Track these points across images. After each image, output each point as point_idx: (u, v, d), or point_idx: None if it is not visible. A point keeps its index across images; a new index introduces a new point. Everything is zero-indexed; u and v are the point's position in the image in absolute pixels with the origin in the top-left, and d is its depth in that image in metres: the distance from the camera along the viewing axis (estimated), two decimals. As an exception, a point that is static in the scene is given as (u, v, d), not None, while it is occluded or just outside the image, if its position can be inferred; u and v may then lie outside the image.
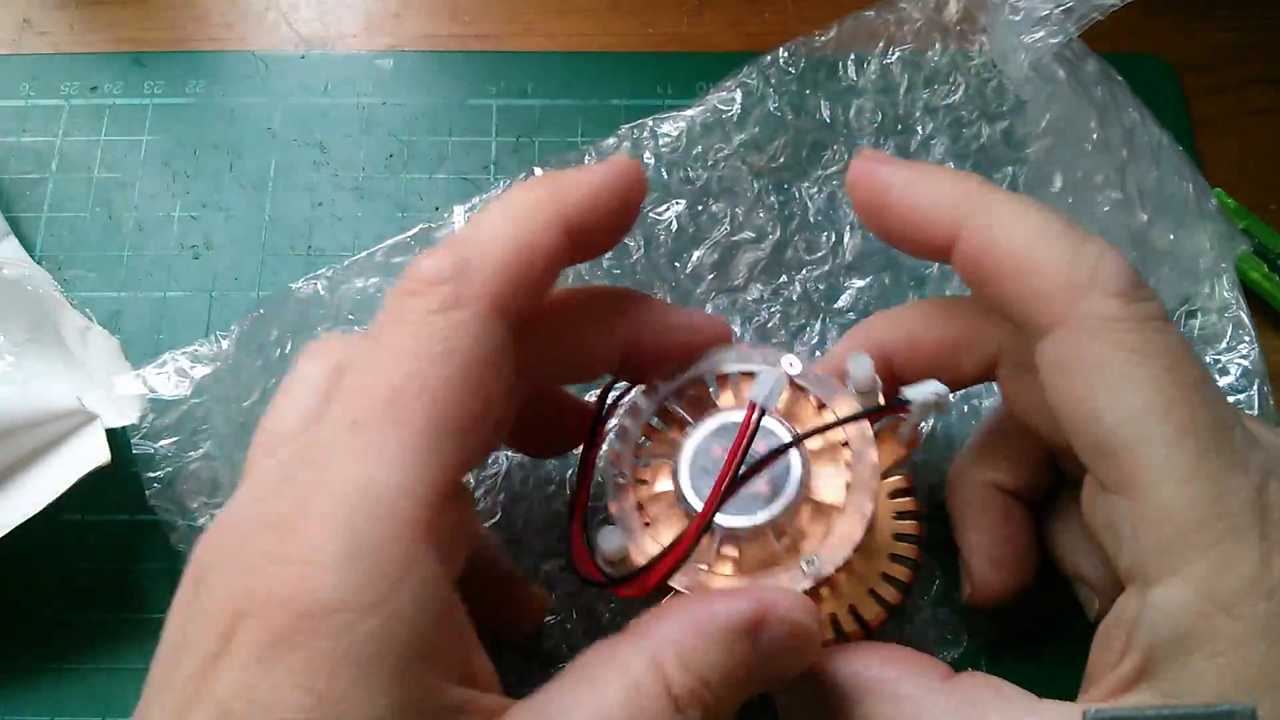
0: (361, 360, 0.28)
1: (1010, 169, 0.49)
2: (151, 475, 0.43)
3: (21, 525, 0.40)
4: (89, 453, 0.41)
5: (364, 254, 0.46)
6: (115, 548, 0.44)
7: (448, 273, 0.28)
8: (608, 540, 0.32)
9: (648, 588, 0.32)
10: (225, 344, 0.44)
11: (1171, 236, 0.45)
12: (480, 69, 0.54)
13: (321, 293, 0.46)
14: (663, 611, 0.29)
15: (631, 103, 0.53)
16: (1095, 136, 0.47)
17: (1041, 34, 0.47)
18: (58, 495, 0.40)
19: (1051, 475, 0.38)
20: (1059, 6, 0.46)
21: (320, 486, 0.26)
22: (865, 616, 0.34)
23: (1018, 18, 0.47)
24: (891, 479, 0.36)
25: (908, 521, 0.36)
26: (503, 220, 0.30)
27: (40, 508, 0.40)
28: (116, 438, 0.42)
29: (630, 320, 0.35)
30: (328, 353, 0.31)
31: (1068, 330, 0.29)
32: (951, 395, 0.34)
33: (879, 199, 0.33)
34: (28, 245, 0.49)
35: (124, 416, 0.43)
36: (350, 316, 0.45)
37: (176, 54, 0.54)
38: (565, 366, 0.35)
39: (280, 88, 0.53)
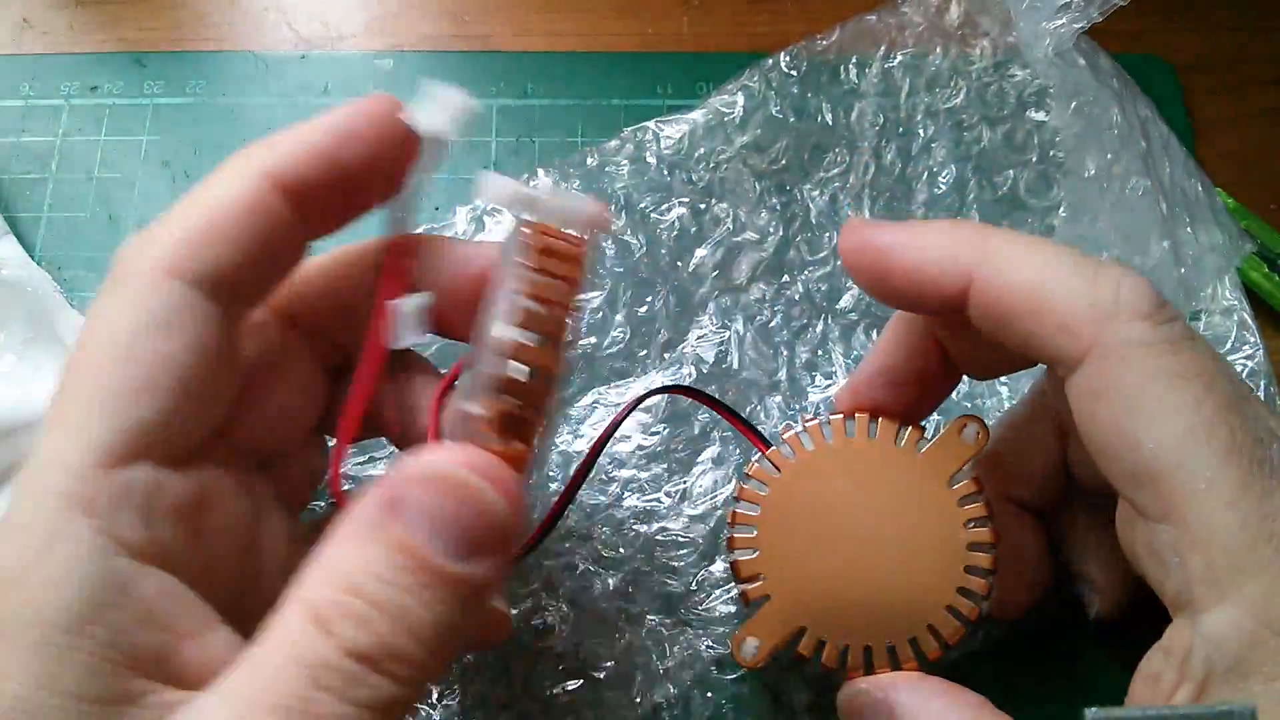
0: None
1: (1011, 172, 0.49)
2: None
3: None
4: None
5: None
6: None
7: (129, 248, 0.28)
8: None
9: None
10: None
11: (1189, 230, 0.45)
12: (480, 69, 0.54)
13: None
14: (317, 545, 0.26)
15: (631, 103, 0.53)
16: (1118, 122, 0.47)
17: (1064, 20, 0.47)
18: None
19: (1062, 486, 0.38)
20: None
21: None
22: (943, 633, 0.33)
23: (1040, 4, 0.47)
24: (960, 484, 0.35)
25: (982, 530, 0.34)
26: (206, 183, 0.29)
27: None
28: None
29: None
30: None
31: (1097, 359, 0.28)
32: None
33: (879, 264, 0.32)
34: (28, 245, 0.49)
35: None
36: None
37: (176, 54, 0.54)
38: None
39: (280, 88, 0.53)
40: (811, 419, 0.36)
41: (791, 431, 0.36)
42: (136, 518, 0.25)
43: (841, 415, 0.36)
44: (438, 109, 0.30)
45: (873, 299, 0.35)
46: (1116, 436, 0.28)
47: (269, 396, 0.32)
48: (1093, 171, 0.47)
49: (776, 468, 0.35)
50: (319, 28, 0.55)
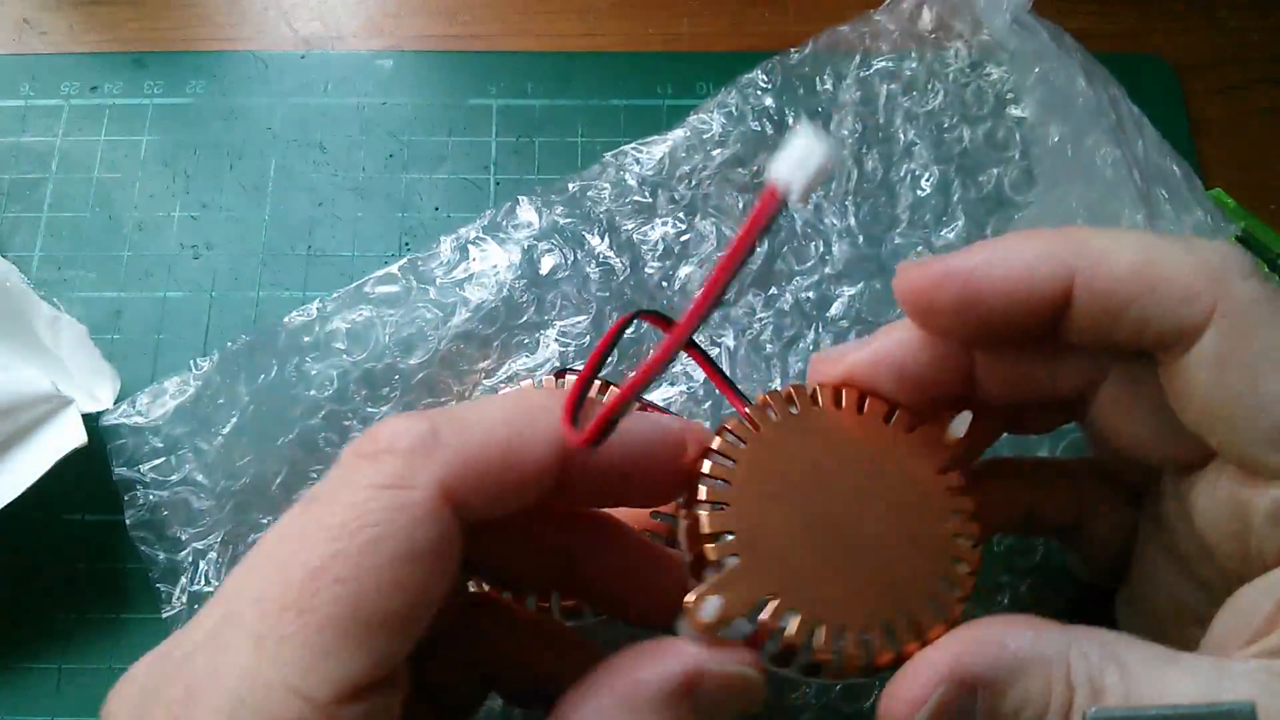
0: (288, 526, 0.26)
1: (995, 170, 0.49)
2: (129, 499, 0.43)
3: (20, 526, 0.40)
4: (65, 436, 0.42)
5: (352, 286, 0.46)
6: (115, 548, 0.44)
7: (409, 442, 0.26)
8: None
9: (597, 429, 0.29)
10: (206, 366, 0.45)
11: (1167, 205, 0.45)
12: (480, 69, 0.54)
13: (311, 322, 0.46)
14: (587, 688, 0.27)
15: (631, 103, 0.53)
16: (1083, 89, 0.47)
17: None
18: (37, 478, 0.41)
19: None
20: None
21: (214, 673, 0.24)
22: (923, 624, 0.30)
23: None
24: (951, 473, 0.32)
25: (970, 523, 0.32)
26: (502, 411, 0.27)
27: (20, 491, 0.41)
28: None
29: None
30: None
31: (1223, 322, 0.28)
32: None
33: (968, 290, 0.30)
34: (28, 245, 0.49)
35: (98, 401, 0.44)
36: (338, 346, 0.45)
37: (176, 54, 0.54)
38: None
39: (280, 88, 0.53)
40: (797, 384, 0.33)
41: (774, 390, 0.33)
42: None
43: (830, 386, 0.33)
44: (798, 165, 0.26)
45: (949, 332, 0.31)
46: (1252, 397, 0.28)
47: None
48: (1057, 139, 0.47)
49: (755, 426, 0.32)
50: (319, 27, 0.55)
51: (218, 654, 0.24)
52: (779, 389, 0.33)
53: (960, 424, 0.32)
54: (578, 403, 0.28)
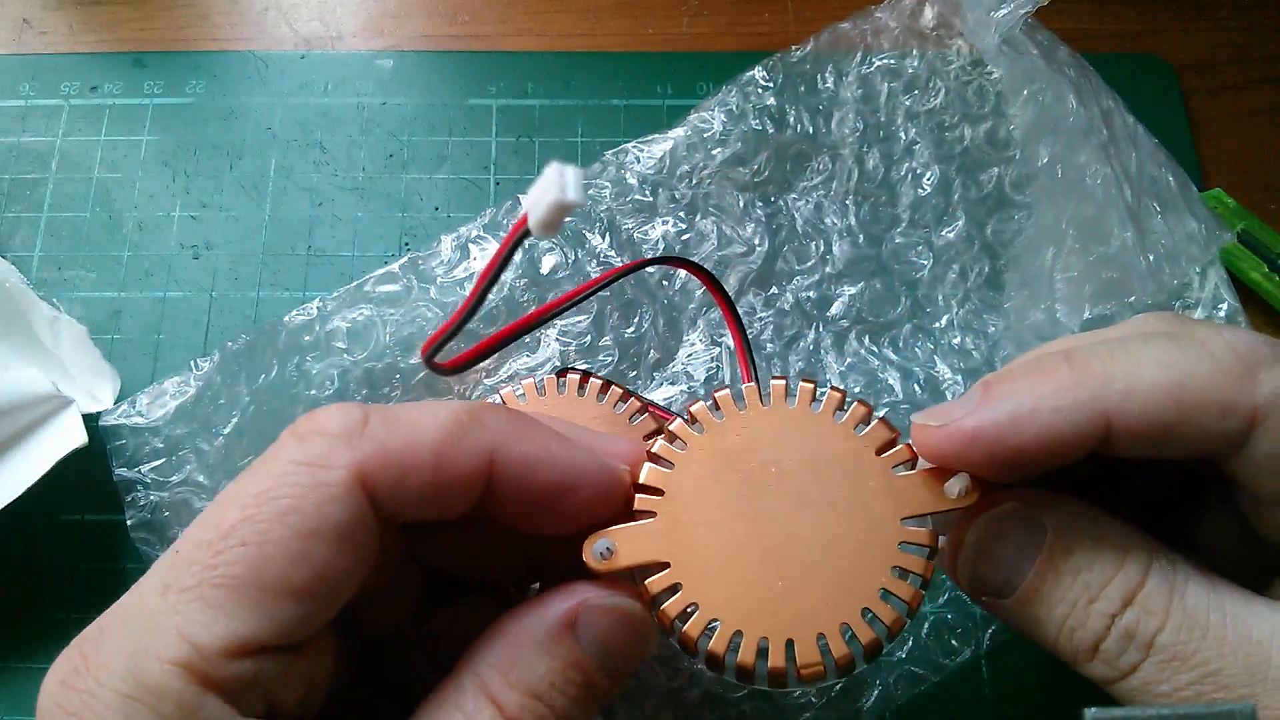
0: (225, 490, 0.27)
1: (995, 170, 0.49)
2: (130, 500, 0.43)
3: (20, 526, 0.40)
4: (66, 436, 0.42)
5: (352, 285, 0.46)
6: (116, 548, 0.44)
7: (337, 427, 0.27)
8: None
9: (458, 362, 0.31)
10: (206, 366, 0.44)
11: (1159, 219, 0.45)
12: (480, 69, 0.54)
13: (311, 321, 0.46)
14: (487, 634, 0.29)
15: (631, 103, 0.53)
16: (1074, 109, 0.47)
17: (1010, 7, 0.47)
18: (37, 478, 0.41)
19: None
20: None
21: (124, 613, 0.26)
22: (861, 638, 0.29)
23: None
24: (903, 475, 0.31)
25: (920, 531, 0.30)
26: (436, 418, 0.28)
27: (22, 490, 0.41)
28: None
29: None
30: None
31: (1269, 419, 0.28)
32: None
33: (997, 451, 0.29)
34: (28, 245, 0.49)
35: (98, 401, 0.44)
36: (339, 345, 0.45)
37: (176, 54, 0.54)
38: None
39: (280, 88, 0.53)
40: (750, 383, 0.32)
41: (725, 391, 0.32)
42: (261, 696, 0.26)
43: (784, 380, 0.32)
44: (539, 198, 0.27)
45: (993, 479, 0.30)
46: None
47: (381, 593, 0.31)
48: (1046, 160, 0.47)
49: (700, 426, 0.31)
50: (319, 27, 0.55)
51: (132, 597, 0.26)
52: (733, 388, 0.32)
53: (956, 484, 0.30)
54: (450, 332, 0.30)
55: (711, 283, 0.38)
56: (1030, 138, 0.48)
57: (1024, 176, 0.49)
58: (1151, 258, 0.44)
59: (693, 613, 0.29)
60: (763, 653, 0.29)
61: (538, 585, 0.35)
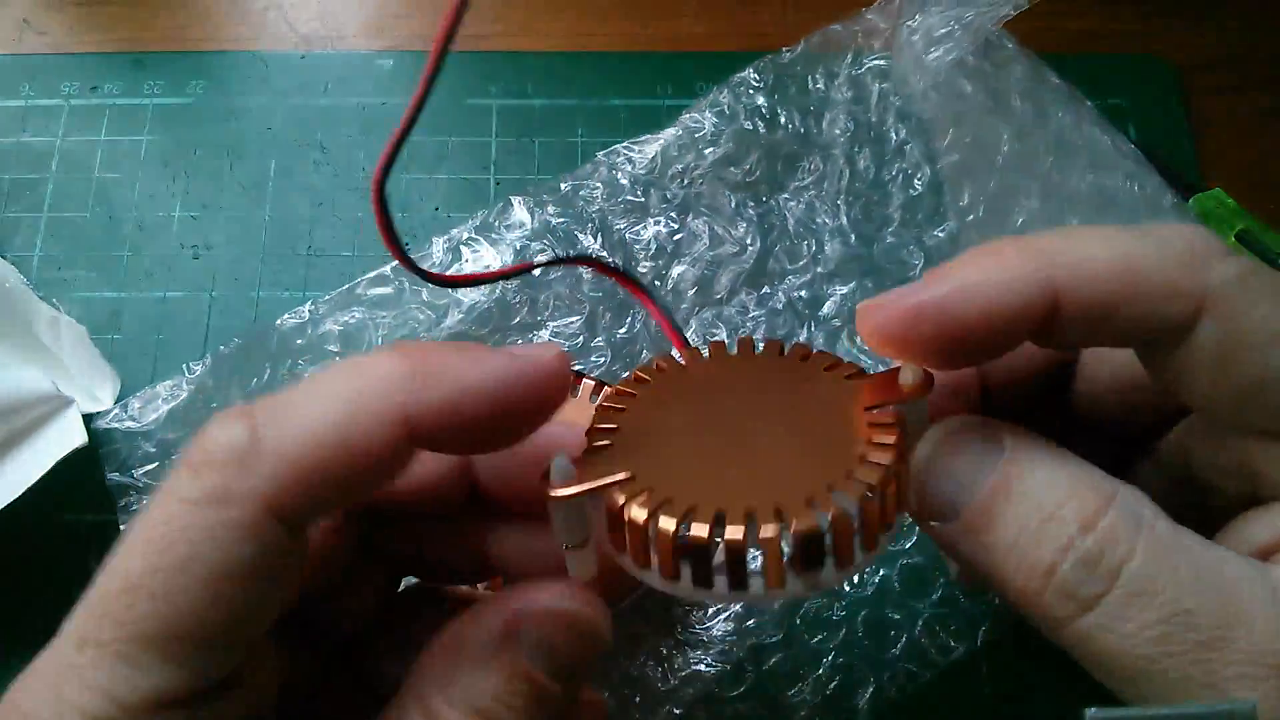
0: (129, 530, 0.25)
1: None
2: (123, 505, 0.43)
3: (20, 526, 0.40)
4: (66, 437, 0.42)
5: (344, 287, 0.46)
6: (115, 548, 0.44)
7: (227, 453, 0.24)
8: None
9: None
10: (199, 370, 0.45)
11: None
12: (480, 69, 0.54)
13: (303, 324, 0.46)
14: (427, 647, 0.27)
15: (631, 103, 0.53)
16: (1007, 149, 0.47)
17: (939, 52, 0.47)
18: (38, 477, 0.41)
19: None
20: (959, 22, 0.46)
21: (42, 666, 0.25)
22: (827, 509, 0.26)
23: (916, 38, 0.47)
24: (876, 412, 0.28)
25: (883, 413, 0.28)
26: (329, 398, 0.25)
27: (22, 490, 0.41)
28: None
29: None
30: None
31: (1218, 306, 0.27)
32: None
33: (948, 318, 0.27)
34: (28, 245, 0.49)
35: (98, 401, 0.44)
36: (331, 349, 0.45)
37: (176, 54, 0.54)
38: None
39: (280, 88, 0.53)
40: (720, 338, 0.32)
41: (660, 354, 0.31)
42: None
43: (763, 340, 0.31)
44: None
45: (938, 366, 0.29)
46: (1259, 370, 0.27)
47: (338, 594, 0.30)
48: (966, 200, 0.47)
49: (661, 369, 0.30)
50: (319, 27, 0.55)
51: (56, 645, 0.25)
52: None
53: (909, 372, 0.28)
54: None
55: (622, 276, 0.37)
56: (953, 178, 0.48)
57: (948, 215, 0.49)
58: None
59: (665, 509, 0.26)
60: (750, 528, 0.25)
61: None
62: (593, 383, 0.39)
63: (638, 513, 0.25)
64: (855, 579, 0.43)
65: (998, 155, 0.47)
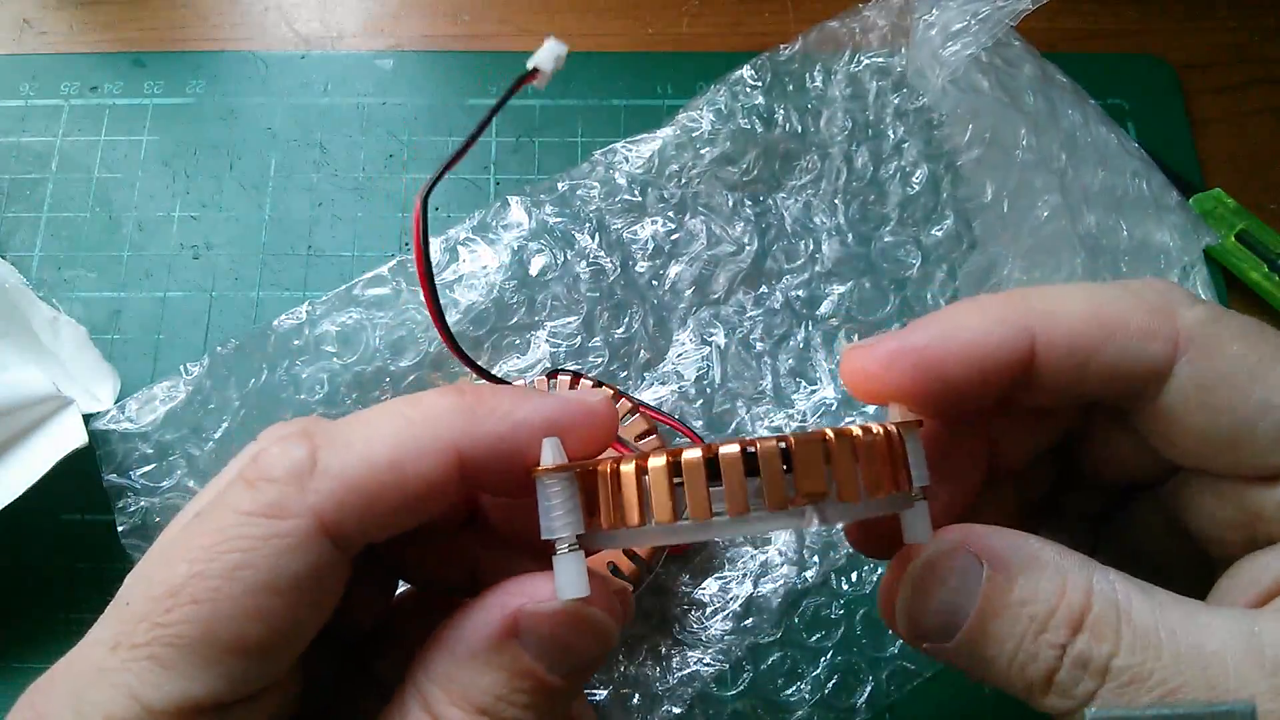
0: (171, 536, 0.26)
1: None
2: (121, 506, 0.43)
3: (20, 526, 0.41)
4: (66, 437, 0.42)
5: (342, 288, 0.46)
6: (116, 548, 0.44)
7: (285, 470, 0.25)
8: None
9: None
10: (196, 371, 0.45)
11: (1125, 234, 0.45)
12: (480, 69, 0.54)
13: (300, 325, 0.46)
14: (429, 644, 0.27)
15: (631, 103, 0.53)
16: (1025, 144, 0.47)
17: (957, 47, 0.47)
18: (39, 477, 0.41)
19: None
20: (975, 17, 0.46)
21: (71, 667, 0.25)
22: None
23: (933, 33, 0.47)
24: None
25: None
26: (387, 429, 0.26)
27: (23, 489, 0.41)
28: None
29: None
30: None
31: (1193, 349, 0.28)
32: None
33: (926, 365, 0.28)
34: (28, 245, 0.49)
35: (98, 401, 0.44)
36: (328, 349, 0.45)
37: (176, 54, 0.54)
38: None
39: (280, 88, 0.53)
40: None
41: None
42: None
43: None
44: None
45: (921, 410, 0.29)
46: (1244, 408, 0.28)
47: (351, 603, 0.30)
48: (990, 196, 0.47)
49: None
50: (319, 27, 0.55)
51: (82, 649, 0.25)
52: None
53: (897, 411, 0.29)
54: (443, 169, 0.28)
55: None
56: (976, 174, 0.48)
57: (970, 213, 0.48)
58: (1110, 277, 0.44)
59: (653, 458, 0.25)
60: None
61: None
62: (590, 383, 0.39)
63: (627, 467, 0.25)
64: (854, 578, 0.43)
65: (1016, 150, 0.47)
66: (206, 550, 0.24)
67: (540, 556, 0.27)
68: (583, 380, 0.39)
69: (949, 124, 0.49)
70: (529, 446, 0.26)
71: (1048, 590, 0.27)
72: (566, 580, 0.26)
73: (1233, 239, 0.48)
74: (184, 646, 0.24)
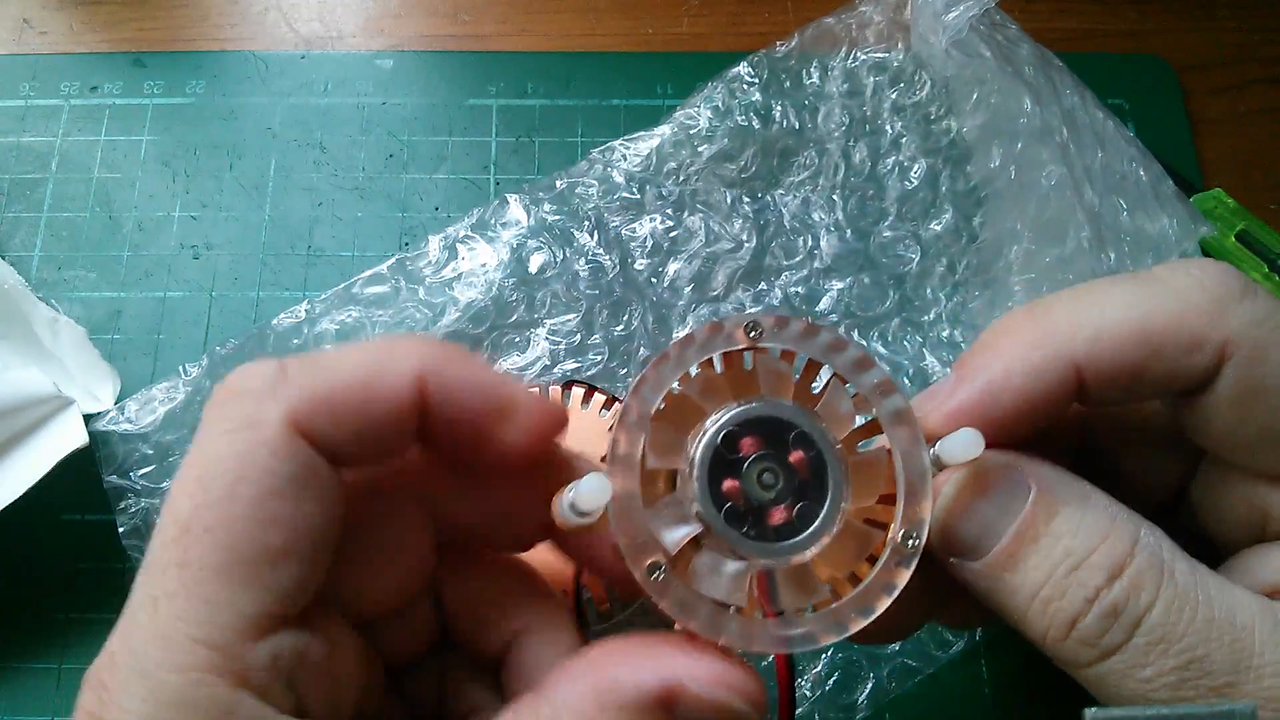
0: (170, 488, 0.26)
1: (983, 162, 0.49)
2: (121, 507, 0.43)
3: (20, 526, 0.41)
4: (67, 437, 0.42)
5: (341, 286, 0.46)
6: (116, 548, 0.44)
7: (255, 383, 0.26)
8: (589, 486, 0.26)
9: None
10: (195, 371, 0.45)
11: (1124, 216, 0.45)
12: (480, 69, 0.54)
13: (300, 324, 0.46)
14: (569, 671, 0.26)
15: (631, 103, 0.53)
16: (1029, 111, 0.46)
17: (959, 10, 0.47)
18: (39, 477, 0.41)
19: None
20: None
21: (126, 637, 0.25)
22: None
23: None
24: None
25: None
26: (355, 351, 0.27)
27: (23, 490, 0.41)
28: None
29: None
30: None
31: (1239, 355, 0.27)
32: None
33: (983, 417, 0.28)
34: (28, 245, 0.49)
35: (98, 402, 0.44)
36: (328, 348, 0.45)
37: (176, 54, 0.54)
38: None
39: (280, 88, 0.53)
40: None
41: None
42: (286, 684, 0.25)
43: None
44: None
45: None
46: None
47: (379, 560, 0.30)
48: (997, 162, 0.47)
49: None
50: (319, 27, 0.55)
51: (128, 618, 0.25)
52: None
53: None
54: None
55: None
56: (981, 140, 0.48)
57: (981, 179, 0.48)
58: (1114, 255, 0.44)
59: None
60: None
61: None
62: (583, 390, 0.39)
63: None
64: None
65: (1020, 119, 0.47)
66: (200, 479, 0.25)
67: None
68: (575, 387, 0.39)
69: (953, 87, 0.49)
70: (487, 408, 0.27)
71: (1091, 528, 0.27)
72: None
73: (1233, 239, 0.48)
74: (214, 573, 0.24)
